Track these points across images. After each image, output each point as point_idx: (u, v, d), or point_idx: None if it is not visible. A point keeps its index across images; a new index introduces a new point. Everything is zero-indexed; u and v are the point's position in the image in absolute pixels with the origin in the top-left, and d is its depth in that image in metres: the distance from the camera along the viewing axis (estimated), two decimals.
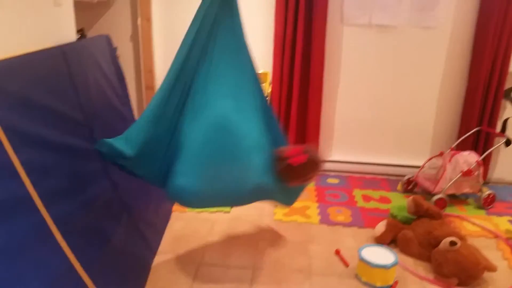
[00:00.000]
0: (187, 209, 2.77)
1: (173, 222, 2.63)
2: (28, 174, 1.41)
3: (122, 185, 2.13)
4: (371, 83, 3.33)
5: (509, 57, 3.05)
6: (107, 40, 2.34)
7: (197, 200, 1.92)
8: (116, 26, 3.15)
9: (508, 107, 3.24)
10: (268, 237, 2.51)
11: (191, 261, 2.24)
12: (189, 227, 2.59)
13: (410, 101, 3.36)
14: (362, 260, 2.12)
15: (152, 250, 2.24)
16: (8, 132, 1.36)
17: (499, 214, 2.94)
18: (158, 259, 2.23)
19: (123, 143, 1.84)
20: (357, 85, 3.34)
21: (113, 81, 2.32)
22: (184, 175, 1.82)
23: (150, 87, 3.25)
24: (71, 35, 2.06)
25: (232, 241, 2.45)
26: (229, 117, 1.83)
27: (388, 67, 3.28)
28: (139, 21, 3.09)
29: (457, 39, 3.17)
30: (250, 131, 1.89)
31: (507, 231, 2.72)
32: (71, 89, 1.85)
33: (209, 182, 1.82)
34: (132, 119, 2.51)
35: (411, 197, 2.54)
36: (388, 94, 3.35)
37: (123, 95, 2.43)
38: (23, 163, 1.40)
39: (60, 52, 1.80)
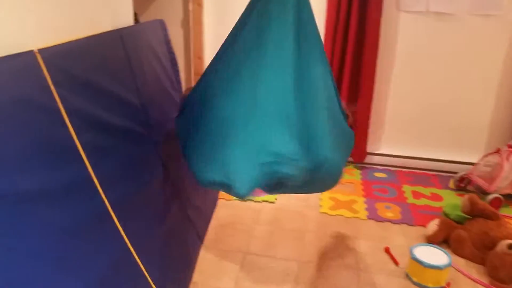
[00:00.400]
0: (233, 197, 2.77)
1: (218, 210, 2.64)
2: (88, 157, 1.44)
3: (174, 171, 2.14)
4: (426, 74, 3.18)
5: None
6: (162, 24, 2.34)
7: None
8: (167, 10, 3.15)
9: None
10: (314, 230, 2.47)
11: (237, 250, 2.23)
12: (235, 215, 2.58)
13: (467, 94, 3.19)
14: (414, 260, 2.05)
15: (200, 237, 2.25)
16: (71, 115, 1.38)
17: None
18: (205, 246, 2.24)
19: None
20: (411, 76, 3.20)
21: (166, 67, 2.32)
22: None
23: (199, 73, 3.24)
24: (128, 19, 2.07)
25: (277, 232, 2.43)
26: None
27: (445, 58, 3.12)
28: (190, 6, 3.08)
29: None
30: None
31: None
32: (129, 73, 1.86)
33: None
34: None
35: (466, 196, 2.42)
36: (443, 85, 3.19)
37: (175, 80, 2.44)
38: (83, 146, 1.42)
39: (118, 36, 1.81)
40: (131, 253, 1.52)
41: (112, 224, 1.48)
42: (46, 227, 1.18)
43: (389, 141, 3.41)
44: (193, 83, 3.30)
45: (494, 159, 2.93)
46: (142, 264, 1.60)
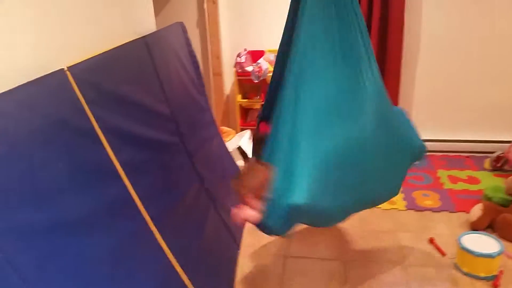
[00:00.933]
0: None
1: None
2: (127, 175, 1.40)
3: (208, 177, 2.10)
4: (455, 54, 3.07)
5: None
6: (182, 27, 2.28)
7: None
8: (182, 11, 3.10)
9: None
10: (353, 225, 2.40)
11: (277, 253, 2.19)
12: None
13: (498, 71, 3.07)
14: (464, 249, 1.97)
15: (237, 242, 2.21)
16: (106, 132, 1.34)
17: None
18: (243, 251, 2.20)
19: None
20: (439, 56, 3.09)
21: (189, 71, 2.27)
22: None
23: (218, 73, 3.19)
24: (151, 25, 2.02)
25: (316, 231, 2.37)
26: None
27: (474, 36, 3.00)
28: (205, 4, 3.01)
29: None
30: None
31: None
32: (157, 82, 1.81)
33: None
34: (208, 109, 2.46)
35: (510, 177, 2.33)
36: (473, 64, 3.07)
37: (199, 84, 2.38)
38: (121, 164, 1.38)
39: (143, 44, 1.76)
40: (175, 269, 1.48)
41: (155, 241, 1.44)
42: (94, 250, 1.14)
43: (419, 125, 3.26)
44: (211, 84, 3.25)
45: None
46: (187, 275, 1.56)
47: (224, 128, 2.98)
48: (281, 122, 1.52)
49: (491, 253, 1.92)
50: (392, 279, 1.97)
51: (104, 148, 1.32)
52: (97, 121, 1.31)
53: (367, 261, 2.10)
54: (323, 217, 1.66)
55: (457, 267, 2.02)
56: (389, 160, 1.70)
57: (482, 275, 1.94)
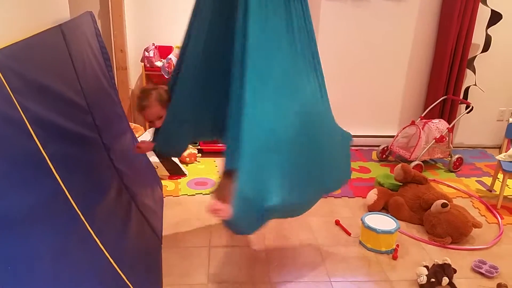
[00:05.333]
0: (180, 193, 2.71)
1: (169, 208, 2.55)
2: (56, 169, 1.30)
3: (126, 172, 2.02)
4: (345, 56, 3.39)
5: (473, 29, 3.25)
6: (92, 17, 2.16)
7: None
8: (83, 1, 2.90)
9: (469, 76, 3.46)
10: None
11: (200, 245, 2.21)
12: (188, 211, 2.53)
13: (382, 73, 3.48)
14: (368, 228, 2.22)
15: (158, 237, 2.17)
16: (33, 124, 1.23)
17: (467, 176, 3.19)
18: (166, 246, 2.17)
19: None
20: (332, 59, 3.37)
21: (100, 62, 2.16)
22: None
23: (123, 67, 3.07)
24: (65, 12, 1.88)
25: None
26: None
27: (362, 41, 3.36)
28: None
29: (425, 11, 3.31)
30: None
31: (478, 190, 2.97)
32: (73, 72, 1.70)
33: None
34: (119, 102, 2.36)
35: (399, 165, 2.67)
36: (361, 67, 3.44)
37: (109, 76, 2.28)
38: (50, 157, 1.28)
39: (59, 32, 1.64)
40: (112, 265, 1.43)
41: (90, 237, 1.37)
42: (34, 248, 1.06)
43: None
44: (116, 78, 3.11)
45: (410, 130, 3.27)
46: (123, 272, 1.50)
47: (133, 124, 2.87)
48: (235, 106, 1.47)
49: (390, 230, 2.19)
50: (309, 259, 2.14)
51: (34, 141, 1.21)
52: (23, 112, 1.20)
53: (285, 245, 2.25)
54: (294, 209, 1.78)
55: (362, 244, 2.27)
56: (334, 146, 1.84)
57: (384, 249, 2.21)
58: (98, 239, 1.41)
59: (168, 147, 2.05)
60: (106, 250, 1.44)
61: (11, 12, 1.41)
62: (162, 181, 2.82)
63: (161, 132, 1.92)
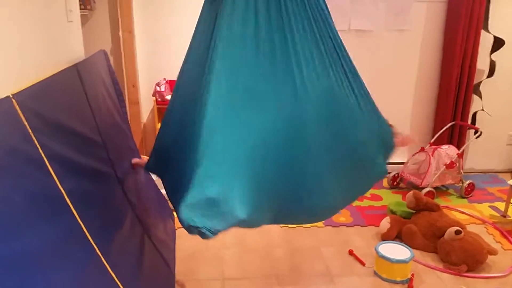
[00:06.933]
0: None
1: (182, 240, 2.56)
2: (73, 205, 1.33)
3: (138, 205, 2.05)
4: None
5: (476, 55, 3.29)
6: (105, 55, 2.24)
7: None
8: (95, 39, 3.01)
9: (475, 101, 3.48)
10: (280, 244, 2.53)
11: (214, 278, 2.20)
12: (200, 243, 2.53)
13: (388, 102, 3.43)
14: (382, 257, 2.20)
15: (171, 271, 2.17)
16: (51, 161, 1.27)
17: (479, 202, 3.16)
18: (178, 279, 2.17)
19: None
20: None
21: (114, 98, 2.23)
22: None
23: (135, 102, 3.14)
24: (80, 52, 1.96)
25: (247, 252, 2.44)
26: None
27: (366, 69, 3.35)
28: (120, 33, 2.98)
29: (428, 40, 3.37)
30: None
31: (492, 216, 2.94)
32: (89, 109, 1.76)
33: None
34: (132, 137, 2.41)
35: (411, 192, 2.66)
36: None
37: (122, 111, 2.34)
38: (67, 193, 1.32)
39: (76, 72, 1.71)
40: None
41: (106, 273, 1.38)
42: (54, 283, 1.07)
43: None
44: (128, 112, 3.18)
45: (420, 157, 3.27)
46: None
47: (145, 157, 2.91)
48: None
49: (405, 259, 2.17)
50: None
51: (52, 177, 1.25)
52: (42, 149, 1.24)
53: (297, 275, 2.23)
54: (259, 221, 1.63)
55: (376, 274, 2.24)
56: (335, 169, 1.65)
57: (399, 279, 2.18)
58: (114, 272, 1.43)
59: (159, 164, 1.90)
60: (122, 284, 1.46)
61: (30, 53, 1.48)
62: (174, 213, 2.83)
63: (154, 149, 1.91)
